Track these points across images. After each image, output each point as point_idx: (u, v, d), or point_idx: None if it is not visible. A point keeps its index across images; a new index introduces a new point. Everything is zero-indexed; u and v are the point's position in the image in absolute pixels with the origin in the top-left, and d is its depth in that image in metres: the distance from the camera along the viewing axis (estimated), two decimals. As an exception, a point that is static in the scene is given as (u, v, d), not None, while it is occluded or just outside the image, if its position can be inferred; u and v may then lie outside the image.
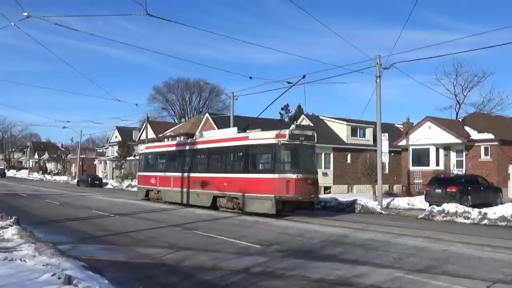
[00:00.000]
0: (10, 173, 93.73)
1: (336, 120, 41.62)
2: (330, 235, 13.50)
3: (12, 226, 12.20)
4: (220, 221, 17.16)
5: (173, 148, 26.35)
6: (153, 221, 16.62)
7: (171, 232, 13.87)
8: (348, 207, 23.53)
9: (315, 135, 19.84)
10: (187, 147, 24.72)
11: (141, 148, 30.32)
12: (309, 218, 18.55)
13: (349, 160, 39.07)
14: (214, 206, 21.38)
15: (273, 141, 18.54)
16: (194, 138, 26.67)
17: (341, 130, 40.51)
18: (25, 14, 14.72)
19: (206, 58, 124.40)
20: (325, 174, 36.81)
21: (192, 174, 23.24)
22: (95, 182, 51.28)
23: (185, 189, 23.80)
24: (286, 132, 18.69)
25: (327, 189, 36.84)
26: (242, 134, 20.87)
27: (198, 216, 18.89)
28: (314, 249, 11.02)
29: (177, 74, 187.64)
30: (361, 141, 40.30)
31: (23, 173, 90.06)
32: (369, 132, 41.19)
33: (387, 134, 25.34)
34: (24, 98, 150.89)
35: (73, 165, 78.34)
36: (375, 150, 25.67)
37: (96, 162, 75.59)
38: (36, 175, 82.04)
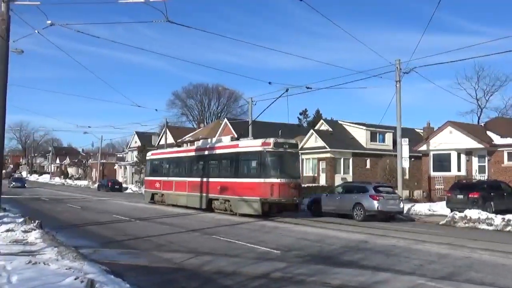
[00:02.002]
0: (33, 177, 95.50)
1: (355, 125, 41.37)
2: (349, 241, 13.43)
3: (35, 230, 12.39)
4: (239, 226, 17.22)
5: (175, 155, 28.69)
6: (172, 226, 16.74)
7: (190, 237, 13.94)
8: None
9: (298, 143, 21.69)
10: (187, 154, 27.12)
11: (148, 155, 32.63)
12: (328, 224, 18.59)
13: (368, 166, 38.75)
14: (210, 208, 23.27)
15: (259, 148, 20.45)
16: (193, 145, 28.53)
17: (360, 135, 40.22)
18: (49, 22, 15.03)
19: (225, 63, 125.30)
20: (344, 179, 36.53)
21: (190, 179, 25.45)
22: (115, 186, 51.89)
23: (184, 192, 25.85)
24: (271, 140, 20.61)
25: (346, 194, 36.51)
26: (233, 142, 23.09)
27: (217, 221, 19.02)
28: (333, 255, 10.95)
29: (196, 79, 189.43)
30: (381, 146, 39.94)
31: (45, 178, 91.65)
32: (388, 137, 40.81)
33: (407, 139, 25.07)
34: (46, 104, 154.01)
35: (94, 169, 79.37)
36: (395, 155, 25.45)
37: (116, 167, 76.45)
38: (57, 180, 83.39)
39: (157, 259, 10.05)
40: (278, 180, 19.98)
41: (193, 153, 26.32)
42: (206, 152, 24.67)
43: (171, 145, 50.81)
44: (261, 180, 20.12)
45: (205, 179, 23.96)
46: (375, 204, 20.31)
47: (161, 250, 11.35)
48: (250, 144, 21.59)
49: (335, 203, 21.93)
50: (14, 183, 53.65)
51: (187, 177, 25.89)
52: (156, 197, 29.53)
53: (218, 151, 23.51)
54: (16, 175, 77.13)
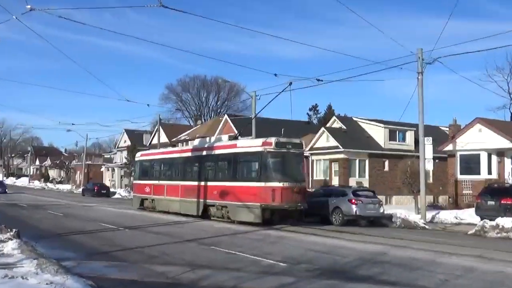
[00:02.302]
0: (9, 181, 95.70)
1: (372, 122, 41.29)
2: (365, 253, 13.43)
3: (12, 239, 12.43)
4: (241, 236, 17.28)
5: (167, 156, 28.95)
6: (166, 235, 16.78)
7: (186, 247, 13.97)
8: (386, 221, 23.37)
9: (303, 143, 22.25)
10: (180, 155, 27.38)
11: (137, 156, 32.91)
12: (340, 234, 18.65)
13: (387, 168, 38.70)
14: (205, 215, 23.46)
15: (259, 149, 20.59)
16: (187, 145, 28.70)
17: (378, 133, 40.15)
18: (29, 7, 15.08)
19: (225, 53, 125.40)
20: (359, 183, 36.46)
21: (184, 183, 25.73)
22: (102, 191, 52.02)
23: (177, 198, 26.01)
24: (273, 140, 20.70)
25: (361, 200, 36.48)
26: (231, 142, 23.24)
27: (216, 230, 19.08)
28: (347, 269, 10.95)
29: (192, 71, 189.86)
30: (401, 146, 39.87)
31: (23, 181, 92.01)
32: (409, 135, 40.74)
33: (430, 138, 25.02)
34: (25, 99, 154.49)
35: (78, 172, 79.60)
36: (417, 156, 25.40)
37: (103, 169, 76.68)
38: (37, 183, 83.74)
39: (149, 273, 10.07)
40: (280, 184, 20.11)
41: (186, 154, 26.65)
42: (201, 153, 24.92)
43: (164, 145, 50.90)
44: (262, 184, 20.26)
45: (200, 183, 24.17)
46: (354, 208, 21.79)
47: (154, 262, 11.37)
48: (250, 144, 21.82)
49: (314, 208, 22.65)
50: None
51: (180, 181, 26.18)
52: (146, 202, 29.80)
53: (214, 152, 23.74)
54: None
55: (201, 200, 23.82)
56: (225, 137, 25.53)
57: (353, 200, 22.04)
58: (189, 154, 26.37)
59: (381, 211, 22.84)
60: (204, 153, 24.66)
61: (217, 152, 23.52)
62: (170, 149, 34.27)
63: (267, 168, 20.43)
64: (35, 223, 20.53)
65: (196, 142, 29.18)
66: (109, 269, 10.52)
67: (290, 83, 24.52)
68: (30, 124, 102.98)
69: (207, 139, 28.05)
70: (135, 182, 32.62)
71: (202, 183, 23.95)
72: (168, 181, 27.54)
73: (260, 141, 21.06)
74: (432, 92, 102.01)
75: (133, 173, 60.16)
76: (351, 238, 17.25)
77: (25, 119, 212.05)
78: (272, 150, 20.48)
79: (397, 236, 18.11)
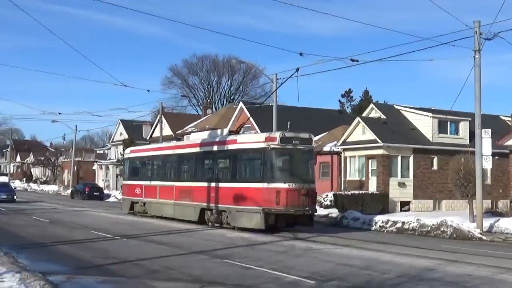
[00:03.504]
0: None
1: (418, 111, 40.93)
2: (409, 268, 13.41)
3: (-11, 250, 12.64)
4: (260, 247, 17.38)
5: (160, 153, 29.77)
6: (170, 246, 16.96)
7: (194, 260, 14.07)
8: (435, 231, 23.36)
9: (312, 138, 22.68)
10: (174, 151, 28.07)
11: (127, 152, 34.03)
12: (378, 245, 18.66)
13: (435, 166, 38.35)
14: (202, 220, 24.32)
15: (262, 145, 21.27)
16: (181, 140, 29.46)
17: (425, 124, 39.79)
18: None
19: (240, 28, 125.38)
20: (401, 185, 36.26)
21: (178, 183, 26.64)
22: (94, 193, 52.66)
23: (171, 201, 26.82)
24: (277, 134, 21.44)
25: (404, 205, 36.27)
26: (231, 137, 23.92)
27: (230, 240, 19.24)
28: (387, 287, 10.95)
29: (201, 50, 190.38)
30: (453, 139, 39.47)
31: (2, 181, 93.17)
32: (463, 127, 40.32)
33: (489, 130, 24.73)
34: (2, 84, 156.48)
35: (66, 170, 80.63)
36: (472, 152, 25.16)
37: (95, 166, 77.48)
38: (18, 183, 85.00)
39: (150, 290, 10.17)
40: (285, 185, 20.71)
41: (181, 151, 27.40)
42: (198, 150, 25.61)
43: (168, 138, 51.16)
44: (265, 185, 20.89)
45: (196, 184, 25.01)
46: None
47: (155, 278, 11.47)
48: (251, 140, 22.53)
49: None
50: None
51: (175, 181, 27.00)
52: (136, 206, 30.49)
53: (212, 148, 24.43)
54: None
55: (198, 204, 24.59)
56: (225, 132, 26.39)
57: None
58: (184, 150, 27.14)
59: None
60: (201, 149, 25.34)
61: (215, 148, 24.18)
62: (163, 145, 34.72)
63: (270, 167, 21.10)
64: (16, 231, 20.84)
65: (192, 137, 30.19)
66: (104, 286, 10.66)
67: (297, 69, 24.73)
68: (8, 114, 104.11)
69: (207, 133, 28.84)
70: (124, 182, 33.58)
71: (199, 184, 24.73)
72: (161, 181, 28.31)
73: (263, 136, 21.78)
74: (491, 74, 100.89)
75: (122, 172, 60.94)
76: (393, 250, 17.23)
77: (2, 107, 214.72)
78: (276, 146, 21.10)
79: (448, 249, 18.04)
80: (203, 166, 25.47)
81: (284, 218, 21.28)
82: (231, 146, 23.01)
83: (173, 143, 33.01)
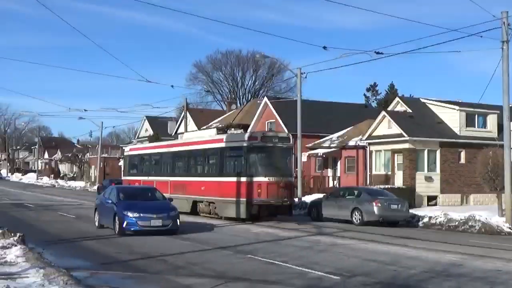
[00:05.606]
0: (15, 177, 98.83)
1: (445, 104, 40.47)
2: (435, 264, 13.31)
3: (16, 245, 12.78)
4: (284, 242, 17.40)
5: (156, 150, 32.94)
6: (195, 241, 17.03)
7: (218, 256, 14.10)
8: (462, 225, 23.15)
9: (290, 137, 25.63)
10: (169, 149, 31.12)
11: (126, 150, 37.11)
12: (404, 240, 18.56)
13: (463, 160, 37.91)
14: (194, 212, 26.77)
15: (244, 143, 23.89)
16: (176, 139, 32.43)
17: (452, 117, 39.34)
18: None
19: (265, 23, 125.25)
20: (428, 179, 35.89)
21: (173, 178, 29.38)
22: (121, 189, 52.97)
23: (167, 194, 27.66)
24: (258, 134, 24.98)
25: (431, 199, 35.92)
26: (218, 136, 26.62)
27: (255, 235, 19.29)
28: (413, 283, 10.86)
29: (225, 45, 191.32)
30: (481, 132, 38.96)
31: (31, 177, 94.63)
32: (491, 120, 39.76)
33: (518, 123, 24.31)
34: (30, 81, 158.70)
35: (93, 166, 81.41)
36: (501, 145, 24.83)
37: (121, 163, 78.04)
38: (46, 180, 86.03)
39: (174, 286, 10.17)
40: (266, 179, 23.33)
41: (175, 149, 30.40)
42: (190, 147, 28.59)
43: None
44: (248, 179, 23.43)
45: (189, 179, 27.89)
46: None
47: (179, 274, 11.51)
48: (235, 139, 25.16)
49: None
50: None
51: (170, 177, 29.76)
52: None
53: (202, 146, 27.33)
54: None
55: (190, 196, 27.13)
56: (213, 131, 28.78)
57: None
58: (178, 148, 30.06)
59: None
60: (193, 147, 28.21)
61: (205, 146, 26.98)
62: (159, 143, 37.41)
63: (252, 163, 23.74)
64: (43, 227, 21.07)
65: (185, 136, 33.21)
66: (127, 281, 10.69)
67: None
68: (36, 111, 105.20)
69: (198, 133, 31.96)
70: (124, 178, 36.90)
71: (191, 179, 27.60)
72: (157, 177, 30.92)
73: (246, 135, 24.72)
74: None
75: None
76: (419, 245, 17.08)
77: (31, 104, 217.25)
78: (258, 144, 23.85)
79: (476, 244, 17.86)
80: (195, 163, 28.41)
81: (265, 208, 23.74)
82: (218, 145, 25.64)
83: (168, 142, 35.72)
